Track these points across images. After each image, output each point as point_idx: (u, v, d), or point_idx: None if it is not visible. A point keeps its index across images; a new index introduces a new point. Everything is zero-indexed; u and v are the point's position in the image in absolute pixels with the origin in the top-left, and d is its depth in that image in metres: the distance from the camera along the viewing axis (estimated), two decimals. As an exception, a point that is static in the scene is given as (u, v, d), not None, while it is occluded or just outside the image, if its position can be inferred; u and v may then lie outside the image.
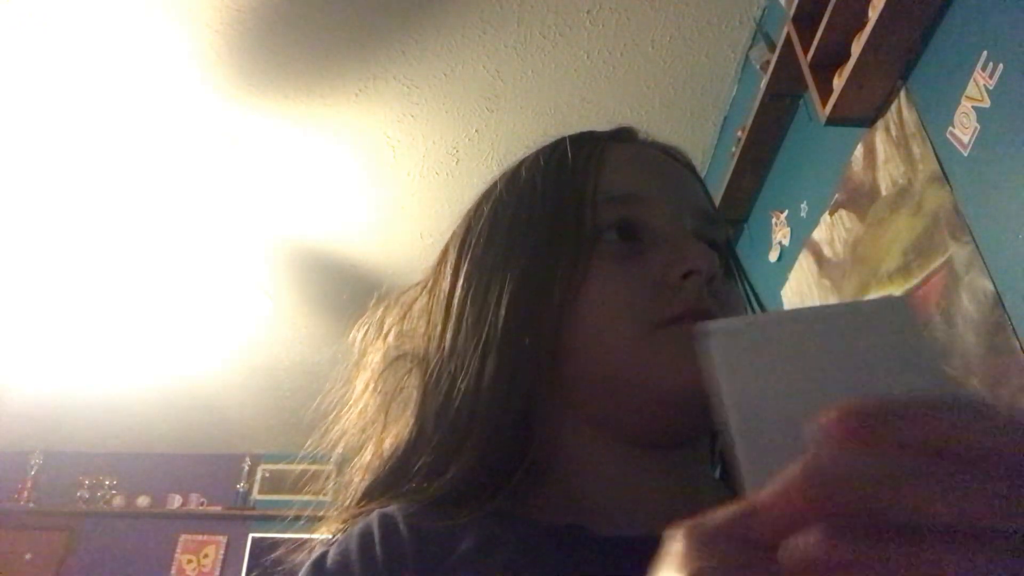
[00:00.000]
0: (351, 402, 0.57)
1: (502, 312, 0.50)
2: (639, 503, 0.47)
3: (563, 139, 0.57)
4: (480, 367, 0.49)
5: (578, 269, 0.48)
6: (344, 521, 0.51)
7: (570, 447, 0.50)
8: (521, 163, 0.58)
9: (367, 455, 0.55)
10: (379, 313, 0.60)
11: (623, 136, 0.59)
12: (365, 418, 0.56)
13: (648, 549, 0.42)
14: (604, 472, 0.49)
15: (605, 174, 0.52)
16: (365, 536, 0.46)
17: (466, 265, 0.55)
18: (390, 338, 0.59)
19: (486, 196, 0.58)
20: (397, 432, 0.54)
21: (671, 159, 0.57)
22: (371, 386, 0.57)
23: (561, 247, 0.50)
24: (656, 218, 0.50)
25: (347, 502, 0.53)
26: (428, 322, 0.56)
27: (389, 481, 0.51)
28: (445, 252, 0.59)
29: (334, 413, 0.58)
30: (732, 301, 0.52)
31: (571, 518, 0.46)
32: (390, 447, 0.54)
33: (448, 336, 0.53)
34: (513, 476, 0.47)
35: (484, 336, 0.50)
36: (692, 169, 0.58)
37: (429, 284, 0.59)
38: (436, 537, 0.44)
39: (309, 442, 0.58)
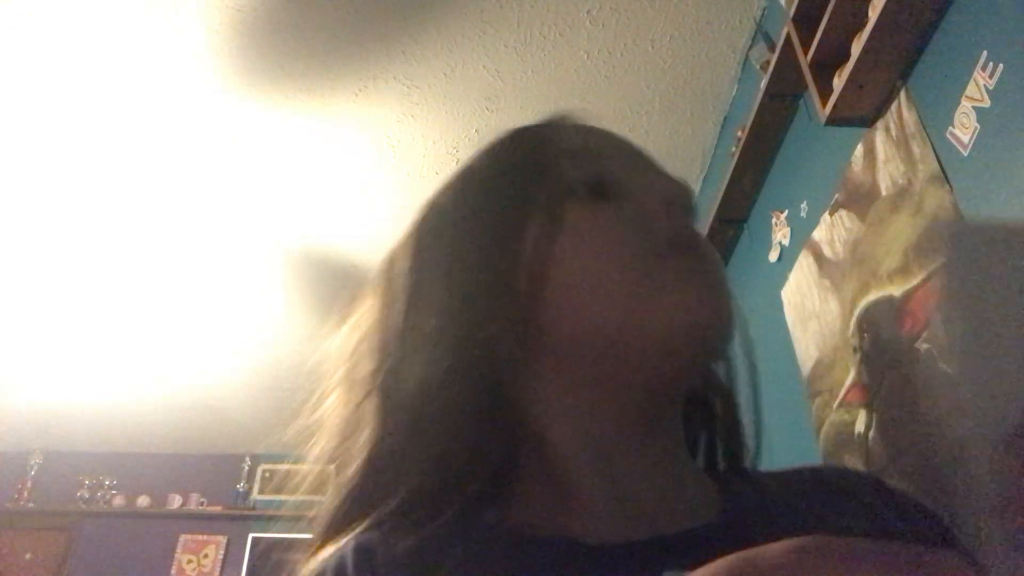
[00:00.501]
0: (323, 421, 0.54)
1: (470, 277, 0.47)
2: (627, 503, 0.45)
3: (510, 129, 0.56)
4: (446, 344, 0.45)
5: (551, 224, 0.46)
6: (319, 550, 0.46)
7: (555, 444, 0.46)
8: (470, 159, 0.57)
9: (342, 477, 0.49)
10: (342, 323, 0.57)
11: (566, 119, 0.57)
12: (334, 437, 0.52)
13: (638, 555, 0.41)
14: (591, 468, 0.46)
15: (566, 138, 0.52)
16: (339, 573, 0.41)
17: (425, 245, 0.53)
18: (352, 343, 0.55)
19: (443, 186, 0.57)
20: (364, 444, 0.49)
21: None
22: (337, 403, 0.54)
23: (530, 205, 0.48)
24: (622, 172, 0.50)
25: (318, 533, 0.47)
26: (388, 309, 0.52)
27: (358, 504, 0.46)
28: (403, 242, 0.56)
29: (312, 439, 0.54)
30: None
31: (560, 523, 0.43)
32: (361, 462, 0.48)
33: (410, 317, 0.49)
34: (485, 473, 0.43)
35: (451, 306, 0.47)
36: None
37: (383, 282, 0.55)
38: (417, 558, 0.40)
39: (298, 450, 0.55)
